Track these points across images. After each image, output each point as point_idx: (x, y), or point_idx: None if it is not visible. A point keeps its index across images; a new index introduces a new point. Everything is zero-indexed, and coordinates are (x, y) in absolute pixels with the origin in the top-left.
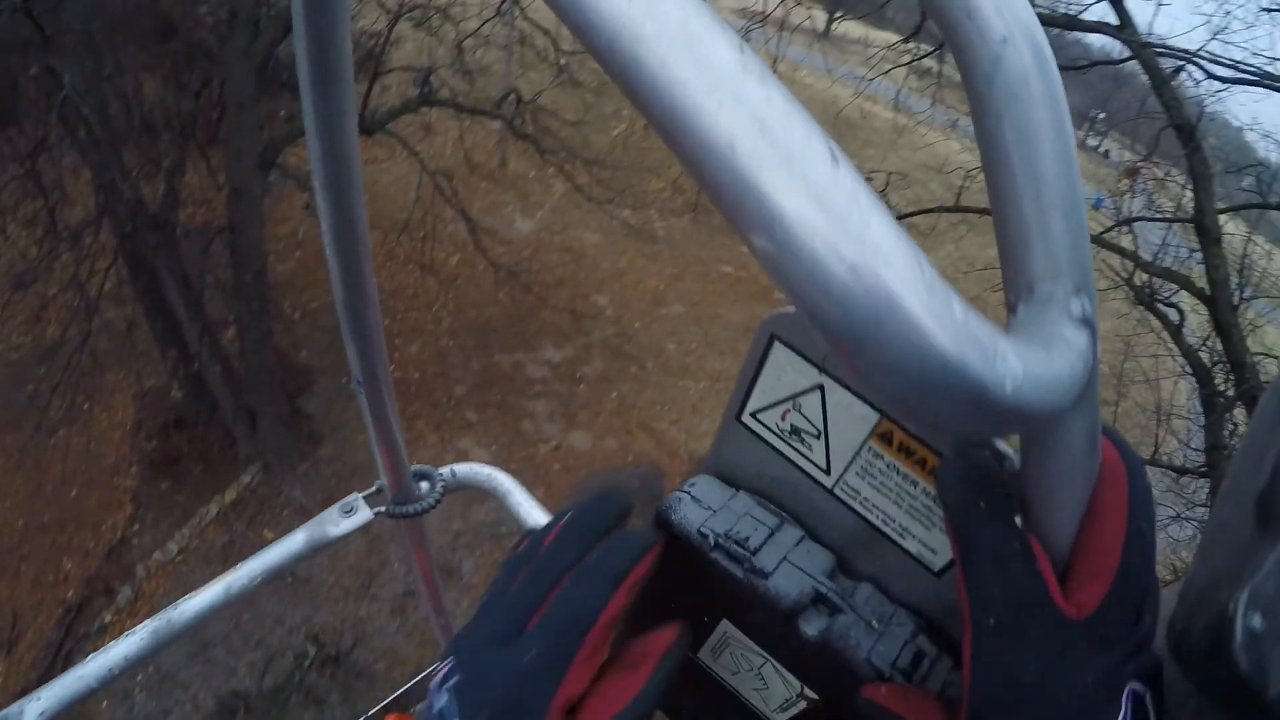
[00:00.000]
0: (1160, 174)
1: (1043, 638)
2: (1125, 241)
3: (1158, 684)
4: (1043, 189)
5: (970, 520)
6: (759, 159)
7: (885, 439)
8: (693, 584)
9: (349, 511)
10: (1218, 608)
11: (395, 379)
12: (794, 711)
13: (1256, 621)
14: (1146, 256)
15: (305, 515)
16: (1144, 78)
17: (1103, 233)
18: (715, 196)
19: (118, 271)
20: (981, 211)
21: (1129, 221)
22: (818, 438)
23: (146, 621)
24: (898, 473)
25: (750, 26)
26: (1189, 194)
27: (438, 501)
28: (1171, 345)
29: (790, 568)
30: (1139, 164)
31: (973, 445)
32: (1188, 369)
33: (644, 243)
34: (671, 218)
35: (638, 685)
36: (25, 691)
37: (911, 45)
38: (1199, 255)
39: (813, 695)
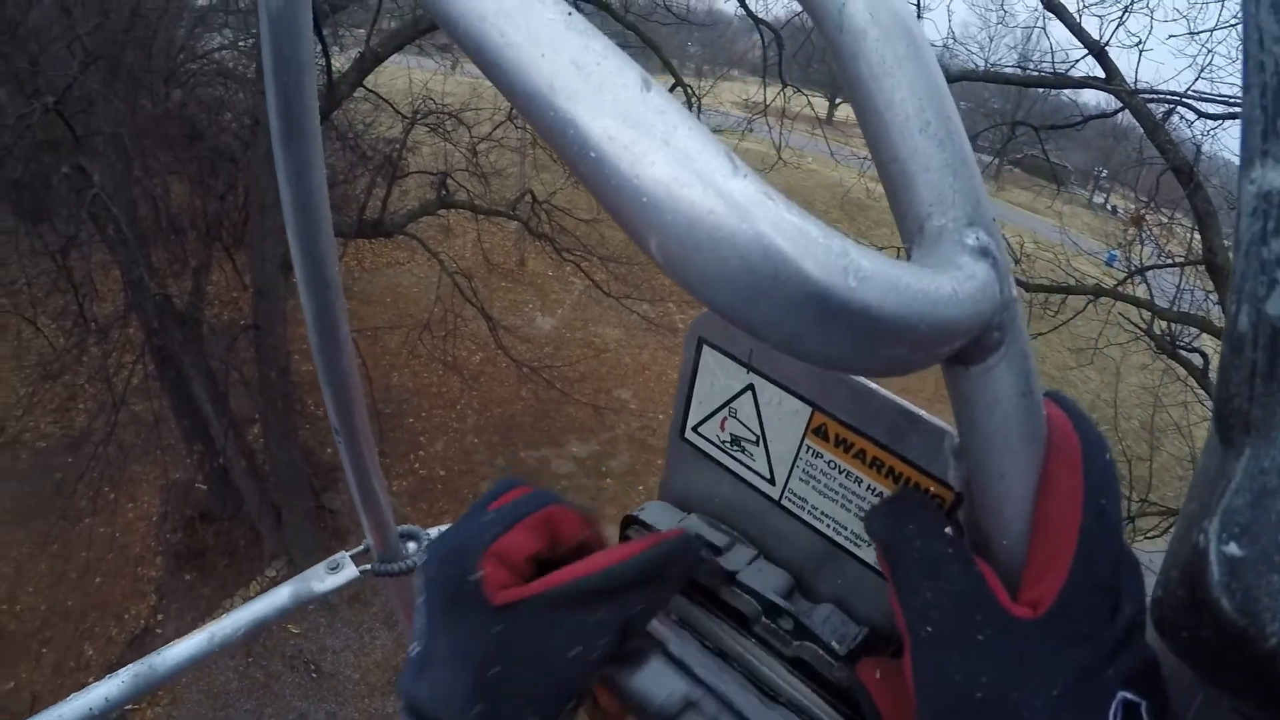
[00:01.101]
0: (1165, 218)
1: (990, 643)
2: (1140, 292)
3: (1157, 689)
4: (910, 119)
5: (897, 537)
6: (574, 93)
7: (820, 434)
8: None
9: (334, 569)
10: (1189, 547)
11: (420, 477)
12: None
13: (1233, 549)
14: (1163, 304)
15: (331, 609)
16: (1139, 129)
17: (1116, 285)
18: (548, 136)
19: (145, 366)
20: None
21: (1141, 271)
22: (756, 444)
23: (130, 665)
24: (839, 470)
25: (751, 117)
26: (1198, 236)
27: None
28: (1199, 391)
29: (757, 569)
30: (1143, 210)
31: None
32: None
33: (664, 335)
34: (690, 309)
35: (619, 558)
36: None
37: None
38: (1215, 296)
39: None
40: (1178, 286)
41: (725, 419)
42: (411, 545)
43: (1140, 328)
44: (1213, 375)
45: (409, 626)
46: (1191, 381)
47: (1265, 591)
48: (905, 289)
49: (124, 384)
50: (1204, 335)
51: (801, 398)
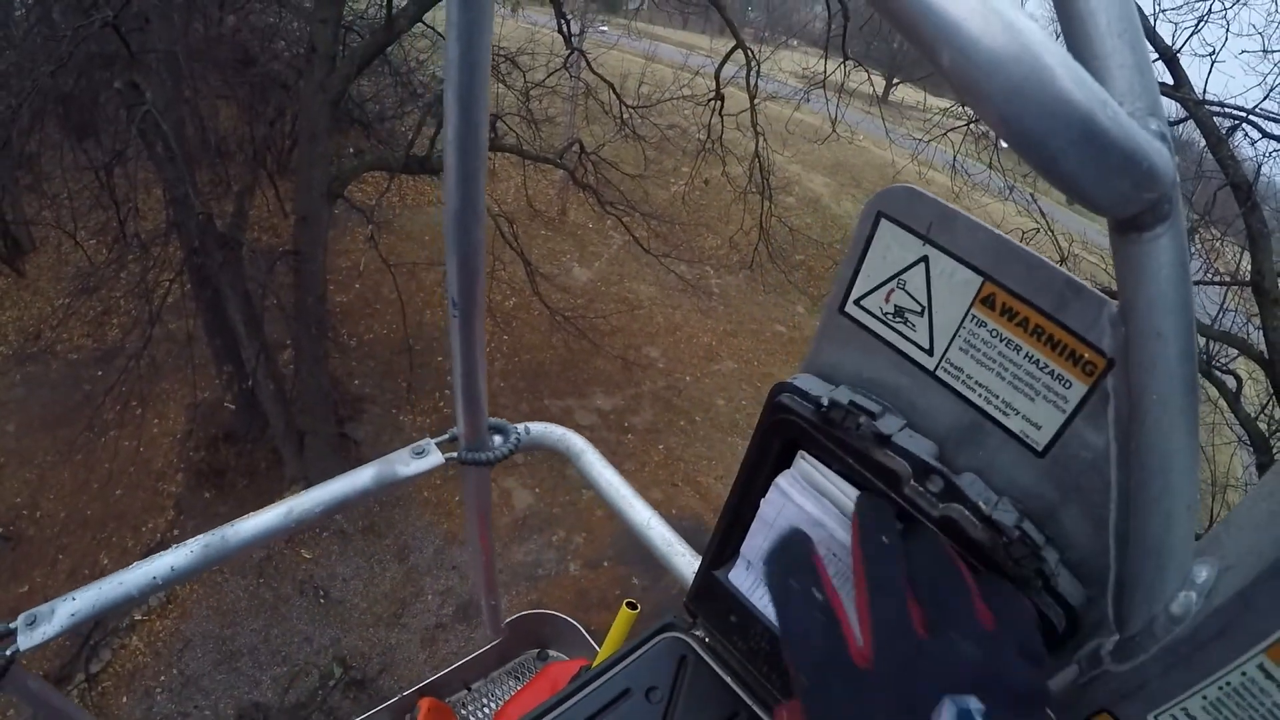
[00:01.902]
0: (1217, 235)
1: (843, 690)
2: None
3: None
4: (1111, 25)
5: (781, 600)
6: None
7: (988, 304)
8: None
9: (420, 454)
10: None
11: (444, 415)
12: None
13: None
14: (1204, 320)
15: (344, 538)
16: (1202, 142)
17: None
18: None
19: (182, 284)
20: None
21: None
22: (921, 314)
23: (200, 536)
24: (1001, 339)
25: (809, 89)
26: (1247, 256)
27: (509, 454)
28: (1229, 414)
29: (907, 435)
30: (1194, 225)
31: (793, 537)
32: (1245, 438)
33: (699, 298)
34: (727, 275)
35: None
36: (44, 679)
37: (967, 111)
38: (1257, 320)
39: None
40: (1220, 305)
41: (892, 290)
42: (498, 439)
43: None
44: (1244, 401)
45: (473, 518)
46: (1222, 403)
47: None
48: (1135, 133)
49: (160, 301)
50: (1240, 358)
51: (974, 268)
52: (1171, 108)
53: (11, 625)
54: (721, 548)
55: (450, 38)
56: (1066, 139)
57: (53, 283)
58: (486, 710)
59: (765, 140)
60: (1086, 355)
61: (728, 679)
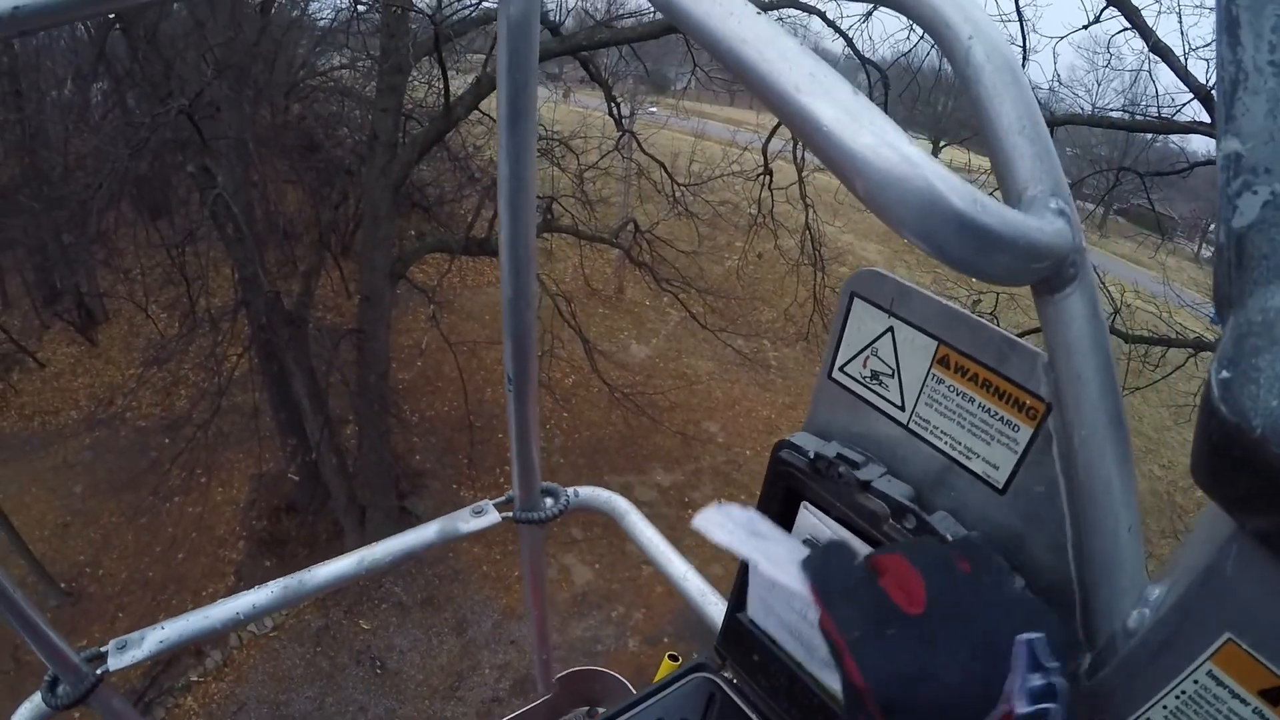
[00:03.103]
0: None
1: (899, 636)
2: None
3: (1054, 625)
4: (1012, 125)
5: (823, 574)
6: (812, 92)
7: (944, 363)
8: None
9: (479, 513)
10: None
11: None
12: None
13: (1224, 374)
14: None
15: (402, 610)
16: None
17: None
18: (788, 120)
19: (250, 359)
20: None
21: None
22: (892, 376)
23: (280, 579)
24: (957, 393)
25: None
26: None
27: (560, 513)
28: None
29: (886, 480)
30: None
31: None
32: None
33: (756, 371)
34: (784, 347)
35: None
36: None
37: None
38: None
39: None
40: None
41: (868, 358)
42: (549, 500)
43: None
44: None
45: (528, 575)
46: None
47: (1247, 396)
48: (1011, 219)
49: (228, 374)
50: None
51: (930, 334)
52: (1214, 146)
53: (103, 649)
54: (741, 592)
55: (500, 160)
56: (948, 232)
57: (124, 353)
58: None
59: (815, 212)
60: (1028, 401)
61: (753, 716)
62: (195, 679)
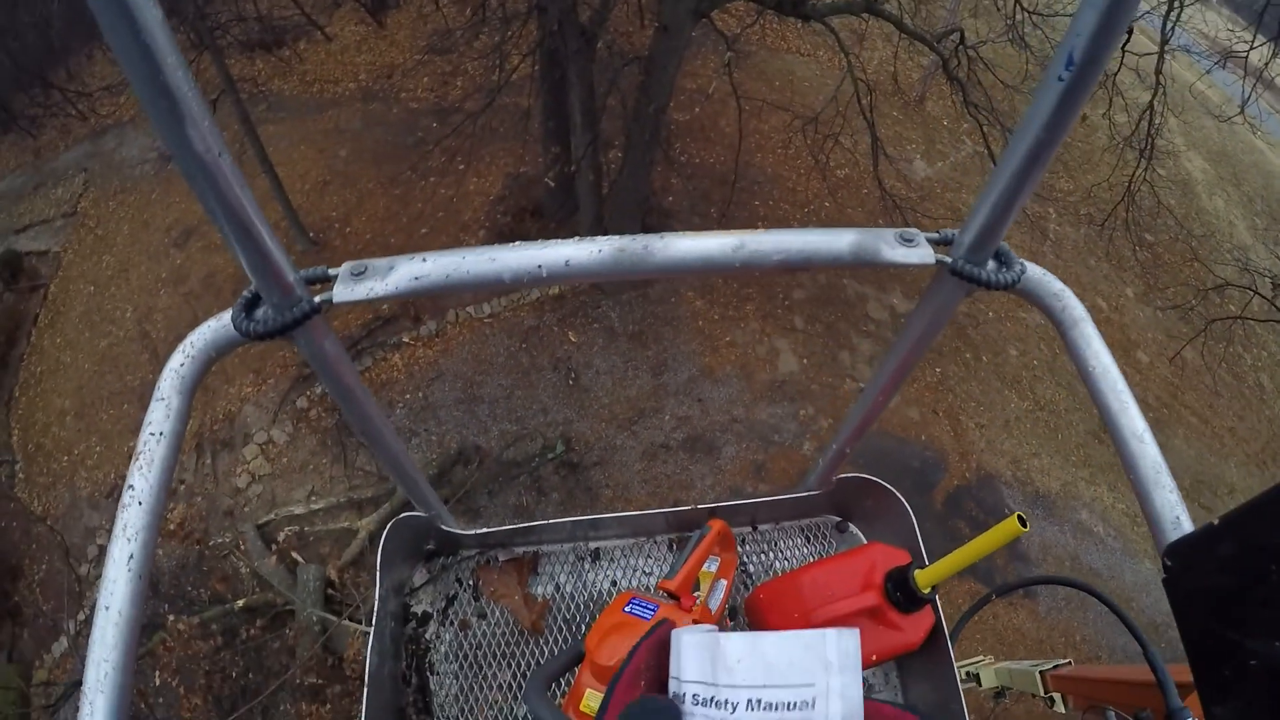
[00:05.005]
0: None
1: None
2: None
3: None
4: None
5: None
6: None
7: None
8: None
9: (909, 241)
10: None
11: None
12: None
13: None
14: None
15: (611, 335)
16: None
17: None
18: None
19: (533, 63)
20: None
21: None
22: None
23: (615, 237)
24: None
25: (1225, 59)
26: None
27: (1008, 285)
28: None
29: None
30: None
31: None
32: None
33: (1031, 237)
34: (1068, 225)
35: None
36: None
37: None
38: None
39: None
40: None
41: None
42: (991, 264)
43: None
44: None
45: (915, 335)
46: None
47: None
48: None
49: (509, 73)
50: None
51: None
52: None
53: (333, 271)
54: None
55: None
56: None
57: (409, 38)
58: (764, 558)
59: (1165, 94)
60: None
61: None
62: (407, 339)
